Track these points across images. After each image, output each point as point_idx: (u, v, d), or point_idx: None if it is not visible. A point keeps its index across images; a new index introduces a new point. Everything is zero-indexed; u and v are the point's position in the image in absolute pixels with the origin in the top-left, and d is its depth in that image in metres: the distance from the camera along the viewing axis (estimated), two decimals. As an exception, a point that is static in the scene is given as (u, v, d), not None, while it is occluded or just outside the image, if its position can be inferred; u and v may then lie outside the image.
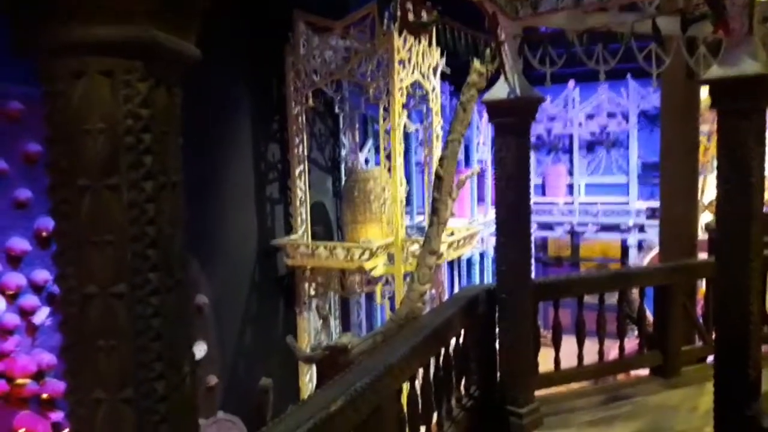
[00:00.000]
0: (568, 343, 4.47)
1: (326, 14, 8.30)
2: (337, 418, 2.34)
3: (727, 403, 3.23)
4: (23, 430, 5.43)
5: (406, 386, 3.14)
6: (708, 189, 10.20)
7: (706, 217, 8.10)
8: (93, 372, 1.15)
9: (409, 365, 3.06)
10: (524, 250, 3.99)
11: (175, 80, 1.22)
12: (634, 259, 15.51)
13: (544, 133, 17.22)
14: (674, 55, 3.48)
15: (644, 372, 4.98)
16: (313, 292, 8.89)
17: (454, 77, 9.03)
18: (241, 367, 8.02)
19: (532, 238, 4.18)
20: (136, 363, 1.15)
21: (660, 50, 3.53)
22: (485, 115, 12.77)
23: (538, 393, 4.17)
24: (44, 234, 5.70)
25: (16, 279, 5.61)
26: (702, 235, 6.74)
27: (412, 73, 8.06)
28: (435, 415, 3.54)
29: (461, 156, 11.86)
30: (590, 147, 16.86)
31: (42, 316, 5.73)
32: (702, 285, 5.86)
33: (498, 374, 4.10)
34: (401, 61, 7.77)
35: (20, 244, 5.62)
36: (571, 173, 16.94)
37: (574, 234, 16.83)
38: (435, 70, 8.67)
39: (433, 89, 8.68)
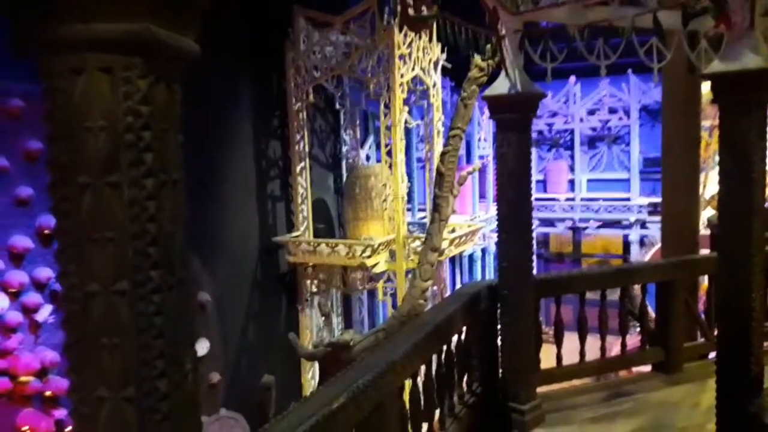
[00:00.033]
0: (570, 339, 4.47)
1: (326, 9, 8.27)
2: (339, 415, 2.34)
3: (730, 399, 3.23)
4: (26, 427, 5.45)
5: (408, 383, 3.14)
6: (710, 184, 10.19)
7: (707, 213, 8.09)
8: (96, 370, 1.15)
9: (411, 362, 3.07)
10: (526, 247, 3.99)
11: (175, 77, 1.21)
12: (636, 255, 15.49)
13: (545, 129, 17.20)
14: (675, 49, 3.46)
15: (646, 368, 4.98)
16: (315, 289, 8.89)
17: (455, 73, 9.00)
18: (243, 364, 8.03)
19: (534, 235, 4.17)
20: (138, 361, 1.15)
21: (661, 45, 3.52)
22: (486, 111, 12.76)
23: (539, 390, 4.16)
24: (46, 231, 5.70)
25: (18, 277, 5.61)
26: (703, 231, 6.73)
27: (413, 68, 8.03)
28: (437, 412, 3.55)
29: (462, 152, 11.86)
30: (591, 143, 16.83)
31: (45, 313, 5.74)
32: (704, 281, 5.86)
33: (500, 371, 4.10)
34: (402, 57, 7.75)
35: (22, 241, 5.63)
36: (572, 169, 16.91)
37: (575, 230, 16.81)
38: (436, 65, 8.64)
39: (434, 85, 8.66)
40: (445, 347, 3.64)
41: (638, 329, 4.98)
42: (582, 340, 4.53)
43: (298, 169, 8.56)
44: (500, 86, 3.71)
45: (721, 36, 3.16)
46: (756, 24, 2.95)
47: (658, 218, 10.49)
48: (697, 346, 4.93)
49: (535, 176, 15.58)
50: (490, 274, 14.09)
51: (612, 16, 3.33)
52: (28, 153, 5.62)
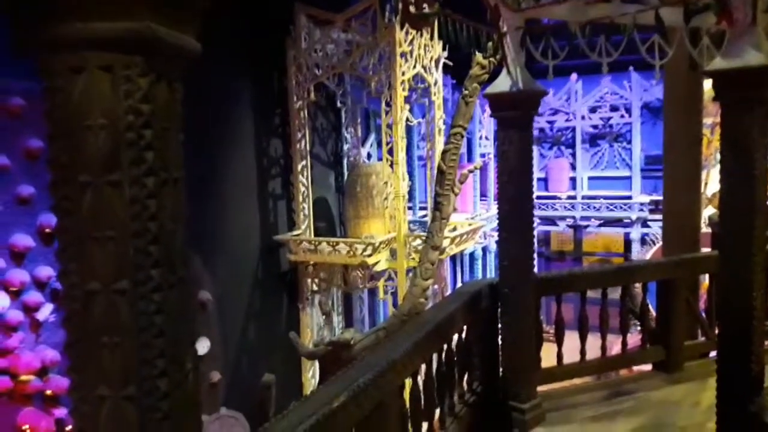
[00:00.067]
0: (571, 338, 4.46)
1: (327, 7, 8.26)
2: (339, 413, 2.34)
3: (730, 398, 3.23)
4: (27, 426, 5.45)
5: (408, 382, 3.14)
6: (711, 182, 10.17)
7: (708, 211, 8.08)
8: (96, 369, 1.15)
9: (411, 361, 3.06)
10: (527, 245, 3.98)
11: (175, 75, 1.21)
12: (637, 253, 15.49)
13: (547, 127, 17.18)
14: (677, 46, 3.45)
15: (647, 367, 4.98)
16: (315, 288, 8.89)
17: (456, 70, 8.99)
18: (244, 363, 8.04)
19: (535, 233, 4.17)
20: (139, 360, 1.15)
21: (663, 42, 3.51)
22: (487, 109, 12.75)
23: (540, 388, 4.16)
24: (47, 230, 5.71)
25: (19, 275, 5.62)
26: (704, 229, 6.72)
27: (414, 66, 8.03)
28: (437, 411, 3.55)
29: (464, 150, 11.85)
30: (593, 140, 16.82)
31: (46, 312, 5.74)
32: (705, 279, 5.85)
33: (500, 370, 4.10)
34: (403, 54, 7.74)
35: (23, 240, 5.63)
36: (573, 167, 16.90)
37: (576, 228, 16.81)
38: (437, 62, 8.64)
39: (435, 82, 8.65)
40: (445, 346, 3.64)
41: (639, 328, 4.97)
42: (583, 339, 4.52)
43: (299, 167, 8.56)
44: (501, 84, 3.70)
45: (723, 33, 3.15)
46: (758, 21, 2.94)
47: (659, 216, 10.47)
48: (697, 345, 4.93)
49: (537, 174, 15.53)
50: (491, 273, 14.11)
51: (613, 12, 3.32)
52: (29, 151, 5.62)
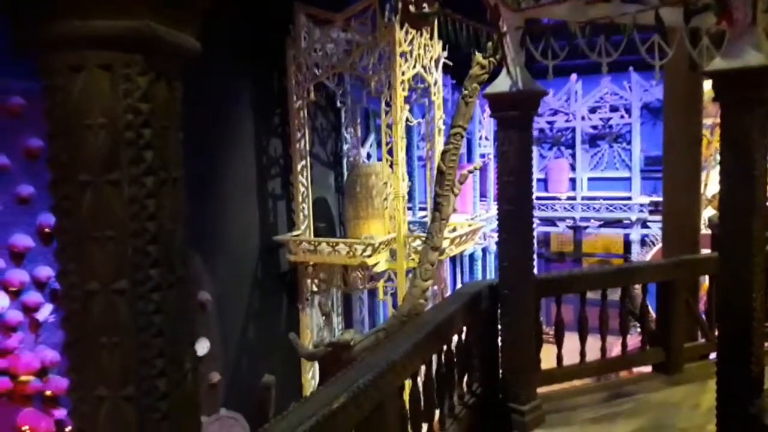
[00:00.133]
0: (571, 339, 4.46)
1: (327, 6, 8.26)
2: (339, 414, 2.33)
3: (730, 400, 3.22)
4: (27, 427, 5.44)
5: (408, 383, 3.14)
6: (711, 183, 10.17)
7: (708, 212, 8.08)
8: (96, 369, 1.15)
9: (411, 362, 3.06)
10: (526, 246, 3.97)
11: (175, 74, 1.21)
12: (637, 254, 15.49)
13: (547, 127, 17.19)
14: (677, 46, 3.45)
15: (647, 369, 4.97)
16: (315, 289, 8.89)
17: (456, 70, 9.00)
18: (243, 363, 8.03)
19: (535, 234, 4.16)
20: (138, 360, 1.15)
21: (663, 42, 3.51)
22: (487, 109, 12.75)
23: (540, 390, 4.15)
24: (47, 230, 5.70)
25: (19, 275, 5.61)
26: (704, 230, 6.72)
27: (414, 66, 8.03)
28: (437, 412, 3.54)
29: (463, 150, 11.85)
30: (593, 141, 16.82)
31: (45, 312, 5.74)
32: (705, 281, 5.85)
33: (500, 371, 4.10)
34: (403, 54, 7.74)
35: (23, 240, 5.63)
36: (573, 168, 16.90)
37: (576, 229, 16.81)
38: (437, 62, 8.63)
39: (435, 82, 8.65)
40: (445, 347, 3.63)
41: (639, 329, 4.97)
42: (582, 341, 4.52)
43: (298, 167, 8.56)
44: (501, 84, 3.70)
45: (723, 33, 3.15)
46: (758, 21, 2.94)
47: (659, 217, 10.47)
48: (697, 347, 4.92)
49: (536, 175, 15.56)
50: (491, 274, 14.10)
51: (613, 12, 3.32)
52: (29, 151, 5.62)
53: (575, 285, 4.66)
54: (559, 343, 4.47)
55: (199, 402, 1.32)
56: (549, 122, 17.09)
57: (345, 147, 9.98)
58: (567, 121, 16.87)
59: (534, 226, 4.25)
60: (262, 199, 8.45)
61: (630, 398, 4.41)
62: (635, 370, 5.40)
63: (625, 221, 15.73)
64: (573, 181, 16.90)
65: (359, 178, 8.83)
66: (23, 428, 5.43)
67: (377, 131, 10.26)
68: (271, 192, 8.59)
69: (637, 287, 4.92)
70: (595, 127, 16.66)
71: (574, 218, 16.45)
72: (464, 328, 3.87)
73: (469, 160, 14.26)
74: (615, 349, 4.97)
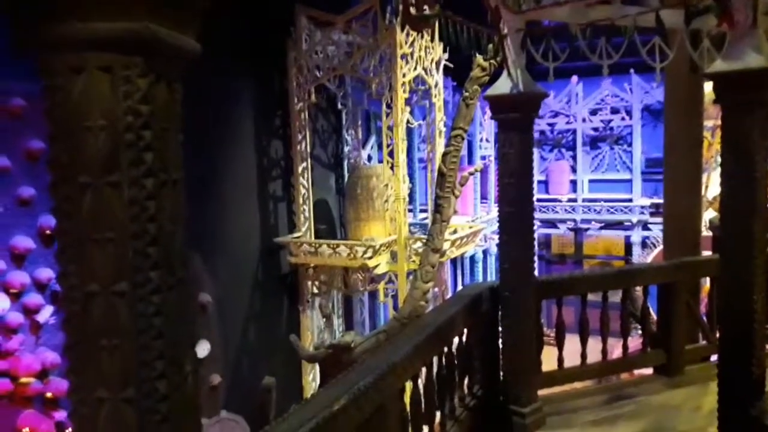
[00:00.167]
0: (572, 341, 4.45)
1: (328, 9, 8.28)
2: (340, 417, 2.33)
3: (731, 402, 3.21)
4: (27, 429, 5.44)
5: (409, 385, 3.13)
6: (712, 185, 10.16)
7: (709, 214, 8.07)
8: (96, 371, 1.15)
9: (412, 364, 3.06)
10: (527, 248, 3.97)
11: (175, 76, 1.21)
12: (638, 256, 15.47)
13: (547, 129, 17.19)
14: (678, 48, 3.45)
15: (648, 371, 4.96)
16: (316, 291, 8.89)
17: (457, 72, 8.99)
18: (244, 365, 8.03)
19: (535, 236, 4.15)
20: (138, 362, 1.15)
21: (663, 44, 3.50)
22: (488, 111, 12.75)
23: (541, 392, 4.15)
24: (48, 232, 5.70)
25: (19, 277, 5.61)
26: (705, 232, 6.71)
27: (415, 68, 8.04)
28: (438, 415, 3.53)
29: (464, 152, 11.85)
30: (594, 143, 16.83)
31: (46, 314, 5.74)
32: (706, 283, 5.84)
33: (501, 373, 4.09)
34: (404, 56, 7.75)
35: (24, 242, 5.63)
36: (574, 170, 16.91)
37: (577, 231, 16.80)
38: (438, 64, 8.64)
39: (436, 84, 8.66)
40: (446, 349, 3.63)
41: (640, 331, 4.96)
42: (583, 343, 4.51)
43: (299, 169, 8.56)
44: (502, 86, 3.70)
45: (724, 35, 3.15)
46: (759, 23, 2.94)
47: (660, 219, 10.46)
48: (698, 349, 4.92)
49: (537, 177, 15.57)
50: (492, 276, 14.09)
51: (614, 14, 3.32)
52: (30, 152, 5.62)
53: (576, 287, 4.65)
54: (559, 345, 4.46)
55: (200, 404, 1.32)
56: (550, 124, 17.09)
57: (346, 149, 9.99)
58: (568, 123, 16.87)
59: (535, 228, 4.25)
60: (263, 201, 8.45)
61: (631, 400, 4.40)
62: (636, 372, 5.39)
63: (626, 223, 15.72)
64: (574, 183, 16.89)
65: (360, 180, 8.84)
66: (23, 430, 5.43)
67: (378, 133, 10.27)
68: (272, 194, 8.60)
69: (638, 289, 4.91)
70: (595, 129, 16.66)
71: (575, 220, 16.45)
72: (465, 330, 3.87)
73: (470, 162, 14.26)
74: (616, 351, 4.96)
